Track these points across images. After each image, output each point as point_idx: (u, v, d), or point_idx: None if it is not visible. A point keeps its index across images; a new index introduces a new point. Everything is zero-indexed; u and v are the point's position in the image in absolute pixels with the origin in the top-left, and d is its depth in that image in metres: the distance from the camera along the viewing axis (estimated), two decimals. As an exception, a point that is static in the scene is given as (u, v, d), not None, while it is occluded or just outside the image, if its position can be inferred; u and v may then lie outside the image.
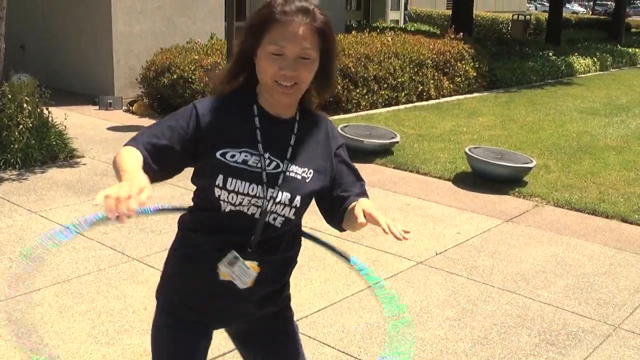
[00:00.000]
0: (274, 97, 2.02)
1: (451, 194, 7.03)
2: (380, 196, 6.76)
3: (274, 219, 2.03)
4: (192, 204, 2.15)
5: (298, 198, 2.03)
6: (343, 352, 3.85)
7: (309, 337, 3.97)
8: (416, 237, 5.67)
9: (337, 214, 2.16)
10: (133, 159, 1.88)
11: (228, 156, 1.98)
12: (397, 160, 8.11)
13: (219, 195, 1.98)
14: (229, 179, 1.96)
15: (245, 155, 1.99)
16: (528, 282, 4.88)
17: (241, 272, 2.03)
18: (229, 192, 1.97)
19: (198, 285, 2.11)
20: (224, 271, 2.03)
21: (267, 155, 2.02)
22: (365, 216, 1.93)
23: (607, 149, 9.19)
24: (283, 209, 2.02)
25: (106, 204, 1.60)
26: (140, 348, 3.81)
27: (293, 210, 2.04)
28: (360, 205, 1.97)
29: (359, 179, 2.21)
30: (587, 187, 7.28)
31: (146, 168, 1.87)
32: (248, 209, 2.00)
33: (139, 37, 11.69)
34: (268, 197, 1.99)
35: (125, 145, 1.97)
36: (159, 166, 1.95)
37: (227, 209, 1.99)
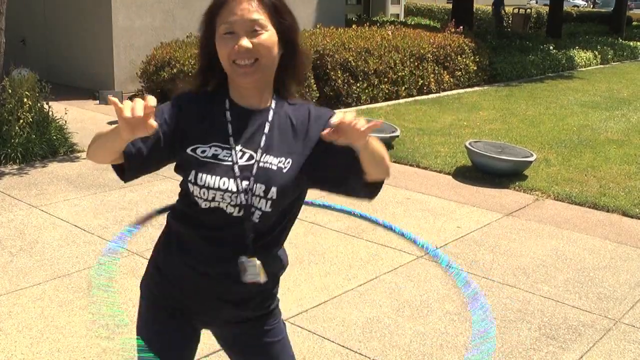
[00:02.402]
0: (236, 81, 1.98)
1: (451, 188, 7.03)
2: (380, 191, 6.74)
3: (252, 213, 1.97)
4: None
5: (274, 189, 1.94)
6: (343, 347, 3.85)
7: (309, 331, 3.97)
8: (416, 232, 5.66)
9: (358, 179, 1.97)
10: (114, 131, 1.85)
11: (198, 151, 1.96)
12: (398, 154, 8.11)
13: (193, 191, 1.95)
14: (199, 175, 1.93)
15: (215, 150, 1.96)
16: (528, 276, 4.88)
17: (253, 270, 2.00)
18: (200, 187, 1.93)
19: (180, 280, 2.10)
20: (250, 279, 2.00)
21: (238, 148, 1.97)
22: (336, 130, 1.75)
23: (607, 143, 9.18)
24: (259, 201, 1.96)
25: (123, 106, 1.70)
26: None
27: (270, 202, 1.96)
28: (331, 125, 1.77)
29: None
30: (587, 181, 7.28)
31: (129, 149, 1.90)
32: (226, 207, 1.95)
33: (139, 31, 11.67)
34: (243, 190, 1.94)
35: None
36: (141, 158, 1.93)
37: (203, 205, 1.96)
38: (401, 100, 12.01)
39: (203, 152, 1.96)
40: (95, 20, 11.58)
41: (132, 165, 1.93)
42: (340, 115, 1.74)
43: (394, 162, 7.89)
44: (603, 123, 10.66)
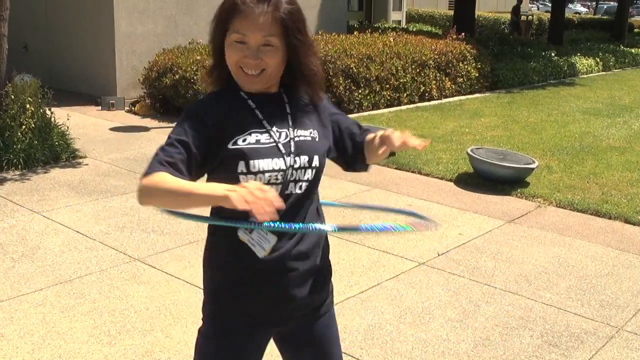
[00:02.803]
0: (240, 83, 2.06)
1: (453, 194, 7.02)
2: (382, 197, 6.75)
3: (300, 187, 2.06)
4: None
5: (316, 158, 2.09)
6: (345, 353, 3.84)
7: (311, 338, 3.96)
8: (418, 238, 5.67)
9: (358, 152, 2.25)
10: (177, 179, 1.88)
11: (240, 142, 2.00)
12: (399, 160, 8.11)
13: (246, 182, 1.92)
14: (251, 162, 1.98)
15: (256, 136, 2.02)
16: (530, 283, 4.87)
17: (260, 238, 2.03)
18: (255, 174, 1.98)
19: (254, 282, 2.08)
20: (242, 237, 2.03)
21: (275, 129, 2.06)
22: (381, 139, 2.09)
23: (609, 150, 9.18)
24: (305, 173, 2.07)
25: (254, 207, 1.72)
26: (141, 348, 3.81)
27: (314, 171, 2.09)
28: (377, 134, 2.11)
29: (354, 121, 2.33)
30: (589, 188, 7.27)
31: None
32: (279, 188, 2.01)
33: (141, 37, 11.69)
34: (288, 166, 2.03)
35: (147, 174, 1.91)
36: (192, 178, 1.95)
37: None
38: (403, 107, 12.01)
39: (244, 140, 2.01)
40: (97, 26, 11.60)
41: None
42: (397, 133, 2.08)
43: (396, 168, 7.89)
44: (605, 130, 10.65)
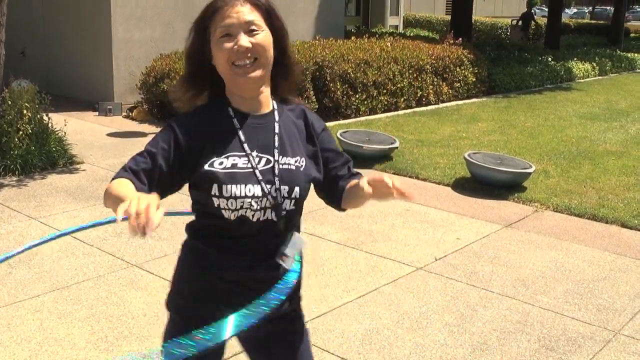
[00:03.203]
0: (238, 85, 2.01)
1: (450, 199, 7.03)
2: (378, 202, 6.75)
3: (278, 215, 2.03)
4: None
5: (297, 189, 2.03)
6: (343, 358, 3.84)
7: (309, 343, 3.96)
8: (415, 243, 5.67)
9: (335, 195, 2.20)
10: (127, 186, 1.86)
11: (216, 164, 1.96)
12: (397, 165, 8.12)
13: (218, 204, 1.96)
14: (224, 186, 1.95)
15: (233, 160, 1.98)
16: (527, 288, 4.88)
17: (296, 243, 2.06)
18: (227, 198, 1.95)
19: (213, 292, 2.09)
20: (286, 261, 2.05)
21: (254, 153, 2.01)
22: (370, 184, 1.94)
23: (606, 154, 9.19)
24: (284, 202, 2.01)
25: (129, 223, 1.60)
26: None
27: (293, 201, 2.03)
28: (364, 179, 1.98)
29: (346, 160, 2.24)
30: (586, 193, 7.28)
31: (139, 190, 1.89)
32: (252, 216, 1.98)
33: (138, 43, 11.70)
34: (267, 193, 1.98)
35: (112, 179, 1.93)
36: (152, 189, 1.92)
37: (232, 217, 1.97)
38: (400, 112, 12.02)
39: (221, 164, 1.97)
40: (95, 32, 11.61)
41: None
42: (386, 178, 1.91)
43: (393, 173, 7.90)
44: (602, 134, 10.67)
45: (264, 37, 1.99)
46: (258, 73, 1.99)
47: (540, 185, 7.46)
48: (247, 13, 1.98)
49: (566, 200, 6.96)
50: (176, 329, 2.13)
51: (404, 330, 4.18)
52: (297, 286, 2.23)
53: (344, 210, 2.26)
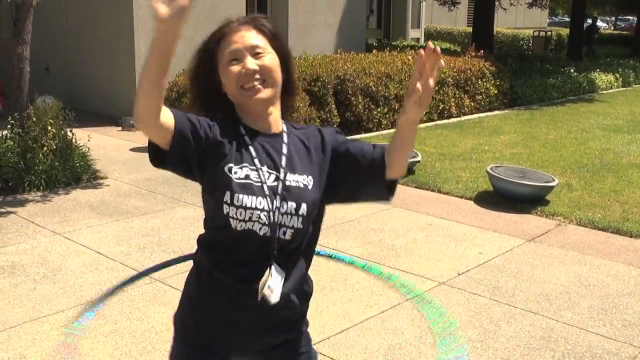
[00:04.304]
0: (248, 107, 2.06)
1: (473, 213, 7.00)
2: (401, 216, 6.75)
3: (284, 233, 2.02)
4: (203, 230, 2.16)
5: (304, 206, 2.03)
6: (365, 374, 3.83)
7: (331, 358, 3.96)
8: (438, 258, 5.65)
9: (374, 168, 2.09)
10: None
11: (232, 172, 1.99)
12: (419, 179, 8.10)
13: (227, 212, 1.97)
14: (236, 195, 1.97)
15: (247, 171, 2.01)
16: (551, 303, 4.84)
17: (276, 283, 2.02)
18: (237, 207, 1.97)
19: (214, 309, 2.09)
20: (266, 292, 2.01)
21: (264, 169, 2.03)
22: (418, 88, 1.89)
23: (630, 167, 9.12)
24: (291, 219, 2.02)
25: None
26: (162, 370, 3.82)
27: (300, 219, 2.03)
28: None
29: (373, 145, 2.16)
30: (610, 206, 7.22)
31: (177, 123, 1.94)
32: (260, 229, 1.99)
33: (161, 58, 11.78)
34: (274, 209, 2.00)
35: None
36: (177, 139, 1.94)
37: (239, 227, 1.98)
38: (422, 125, 12.00)
39: (236, 173, 2.00)
40: (118, 48, 11.73)
41: (176, 142, 1.93)
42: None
43: (415, 187, 7.89)
44: (625, 147, 10.59)
45: (270, 59, 2.04)
46: (266, 94, 2.04)
47: (563, 199, 7.41)
48: (252, 37, 2.04)
49: (590, 213, 6.90)
50: (177, 351, 2.20)
51: (427, 346, 4.16)
52: (300, 315, 2.23)
53: (389, 198, 2.14)
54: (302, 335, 2.24)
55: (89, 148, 8.10)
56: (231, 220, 1.98)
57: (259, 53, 2.03)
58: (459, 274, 5.33)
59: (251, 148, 2.05)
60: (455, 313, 4.63)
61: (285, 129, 2.14)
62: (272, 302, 2.00)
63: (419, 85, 1.89)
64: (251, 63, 2.00)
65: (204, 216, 2.14)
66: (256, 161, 2.03)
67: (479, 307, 4.74)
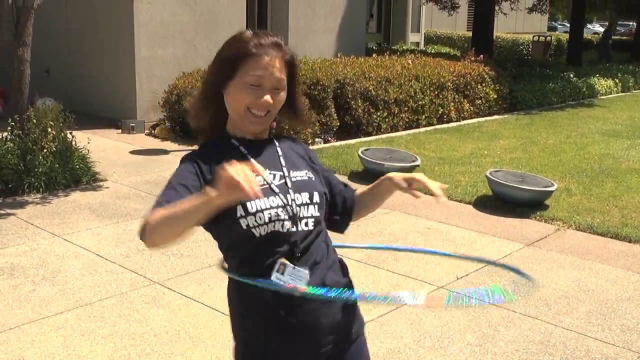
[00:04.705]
0: (244, 125, 2.10)
1: (472, 217, 7.01)
2: (401, 219, 6.75)
3: (306, 224, 2.07)
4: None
5: (316, 194, 2.11)
6: (364, 378, 3.83)
7: (330, 362, 3.96)
8: (437, 261, 5.66)
9: (345, 208, 2.29)
10: (182, 201, 1.85)
11: None
12: (418, 183, 8.09)
13: (247, 225, 1.98)
14: (248, 204, 1.98)
15: None
16: (550, 308, 4.85)
17: (293, 276, 2.02)
18: (254, 214, 1.98)
19: (271, 324, 2.05)
20: (276, 280, 2.01)
21: (267, 172, 2.07)
22: (407, 182, 2.15)
23: (629, 172, 9.13)
24: (308, 209, 2.08)
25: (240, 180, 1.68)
26: (161, 373, 3.82)
27: (316, 206, 2.10)
28: (396, 177, 2.18)
29: (340, 181, 2.34)
30: (609, 211, 7.23)
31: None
32: (282, 225, 2.01)
33: (161, 61, 11.81)
34: (290, 202, 2.04)
35: (148, 218, 1.88)
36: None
37: (262, 232, 1.99)
38: (421, 129, 12.03)
39: None
40: (118, 50, 11.74)
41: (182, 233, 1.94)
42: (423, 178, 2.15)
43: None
44: (625, 152, 10.60)
45: (283, 96, 2.11)
46: (266, 123, 2.14)
47: (563, 204, 7.42)
48: (278, 71, 2.07)
49: (589, 218, 6.91)
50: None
51: (426, 350, 4.17)
52: (357, 309, 2.26)
53: (346, 226, 2.34)
54: (359, 321, 2.29)
55: (88, 150, 8.10)
56: (253, 230, 1.99)
57: (278, 89, 2.08)
58: (457, 278, 5.33)
59: (249, 157, 2.09)
60: (453, 317, 4.63)
61: (272, 136, 2.23)
62: (300, 290, 1.98)
63: (418, 193, 2.16)
64: (269, 97, 2.06)
65: (219, 248, 2.14)
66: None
67: (478, 311, 4.75)
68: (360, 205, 2.31)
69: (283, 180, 2.08)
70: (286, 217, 2.03)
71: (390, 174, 2.19)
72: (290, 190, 2.06)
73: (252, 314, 2.07)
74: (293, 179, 2.10)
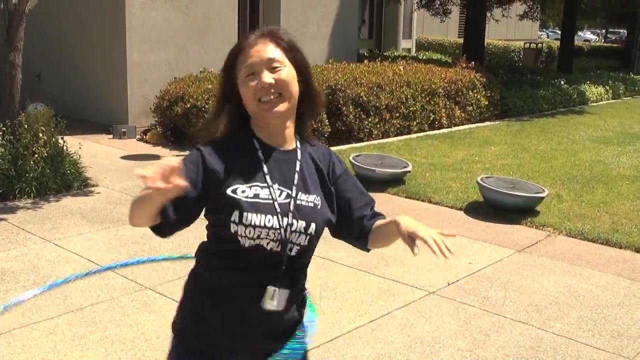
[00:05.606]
0: (265, 120, 2.07)
1: (463, 223, 7.03)
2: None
3: (290, 249, 2.06)
4: (205, 239, 2.17)
5: (313, 225, 2.07)
6: (355, 383, 3.84)
7: (321, 367, 3.96)
8: (428, 267, 5.67)
9: (362, 234, 2.19)
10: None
11: (239, 192, 2.01)
12: (409, 189, 8.12)
13: (236, 231, 2.00)
14: (244, 214, 1.99)
15: (256, 190, 2.03)
16: (541, 313, 4.86)
17: (280, 298, 2.07)
18: (246, 226, 1.99)
19: (216, 317, 2.10)
20: (269, 307, 2.06)
21: (275, 186, 2.06)
22: (409, 235, 1.99)
23: (620, 179, 9.17)
24: (298, 237, 2.06)
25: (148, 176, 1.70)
26: (152, 378, 3.81)
27: (308, 237, 2.07)
28: (402, 225, 2.00)
29: (369, 200, 2.24)
30: (600, 217, 7.26)
31: (165, 216, 1.95)
32: (267, 244, 2.02)
33: (153, 66, 11.81)
34: (284, 227, 2.02)
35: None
36: (178, 215, 1.97)
37: (247, 244, 2.01)
38: (413, 135, 12.05)
39: (243, 192, 2.02)
40: (109, 56, 11.73)
41: (169, 223, 1.98)
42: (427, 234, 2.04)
43: (406, 197, 7.90)
44: (615, 158, 10.65)
45: (287, 72, 2.05)
46: (283, 107, 2.05)
47: (553, 210, 7.44)
48: (269, 51, 2.05)
49: (579, 225, 6.94)
50: (177, 356, 2.19)
51: (416, 355, 4.17)
52: (296, 325, 2.25)
53: (369, 250, 2.25)
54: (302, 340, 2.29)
55: (80, 155, 8.08)
56: (240, 238, 2.01)
57: (276, 67, 2.04)
58: (448, 284, 5.34)
59: (264, 165, 2.07)
60: (444, 323, 4.64)
61: (299, 145, 2.16)
62: (275, 310, 2.06)
63: (417, 251, 2.02)
64: (267, 77, 2.02)
65: (205, 232, 2.16)
66: (268, 178, 2.06)
67: (469, 316, 4.76)
68: (373, 238, 2.20)
69: (288, 200, 2.05)
70: (276, 239, 2.02)
71: (398, 219, 2.02)
72: (290, 214, 2.04)
73: (205, 306, 2.13)
74: (298, 202, 2.07)
